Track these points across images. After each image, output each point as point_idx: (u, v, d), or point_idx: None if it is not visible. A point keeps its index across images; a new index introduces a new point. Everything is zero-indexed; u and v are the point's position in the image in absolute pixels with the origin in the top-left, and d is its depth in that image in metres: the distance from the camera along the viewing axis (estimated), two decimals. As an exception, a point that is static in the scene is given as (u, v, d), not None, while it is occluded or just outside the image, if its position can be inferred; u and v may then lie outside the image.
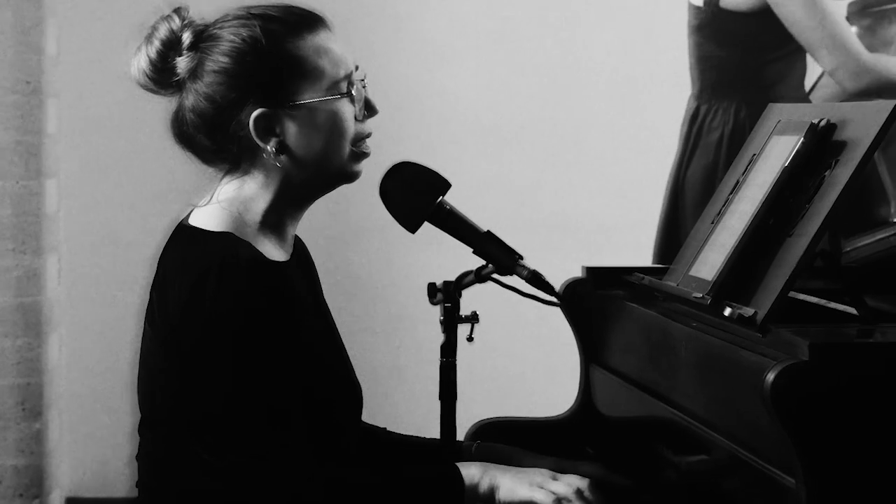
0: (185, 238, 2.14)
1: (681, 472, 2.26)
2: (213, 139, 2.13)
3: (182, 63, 2.12)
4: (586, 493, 2.13)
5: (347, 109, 2.15)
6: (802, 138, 2.20)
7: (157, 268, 2.15)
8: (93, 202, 4.49)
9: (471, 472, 2.14)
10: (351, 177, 2.19)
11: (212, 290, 2.02)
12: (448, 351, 2.48)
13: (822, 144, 2.20)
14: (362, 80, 2.18)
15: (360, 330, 4.43)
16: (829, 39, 3.48)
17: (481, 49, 4.61)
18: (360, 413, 2.28)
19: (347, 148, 2.16)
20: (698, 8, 3.64)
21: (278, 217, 2.17)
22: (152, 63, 2.14)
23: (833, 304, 2.20)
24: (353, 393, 2.24)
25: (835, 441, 1.80)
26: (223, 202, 2.14)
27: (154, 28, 2.15)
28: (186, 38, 2.13)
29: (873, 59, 3.55)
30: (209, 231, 2.11)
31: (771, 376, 1.79)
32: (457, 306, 2.47)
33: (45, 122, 4.19)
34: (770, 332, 2.01)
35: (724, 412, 2.07)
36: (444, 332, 2.46)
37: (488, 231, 2.32)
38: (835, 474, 1.81)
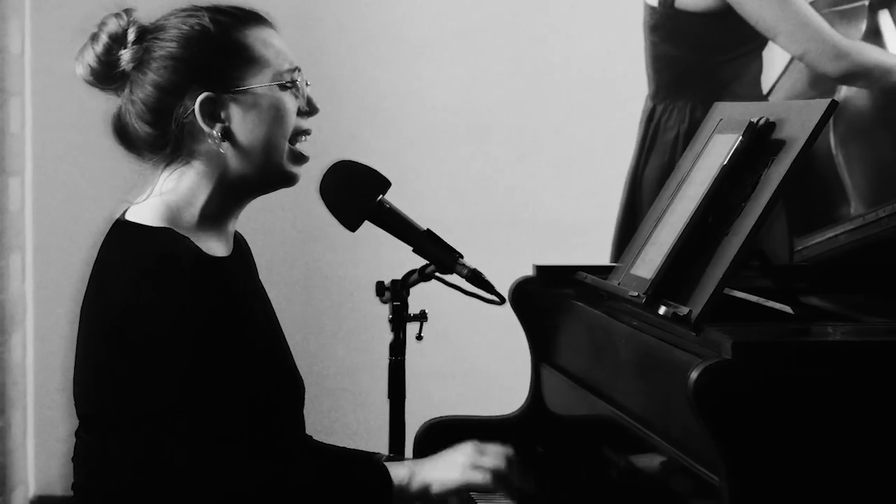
0: (122, 234, 2.14)
1: (620, 472, 2.26)
2: (156, 125, 2.14)
3: (126, 55, 2.15)
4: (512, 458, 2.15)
5: (290, 101, 2.17)
6: (741, 137, 2.20)
7: (94, 265, 2.15)
8: (56, 201, 4.49)
9: (399, 472, 2.13)
10: (288, 178, 2.19)
11: (152, 287, 2.02)
12: (396, 349, 2.48)
13: (761, 143, 2.19)
14: (303, 79, 2.20)
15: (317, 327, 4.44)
16: (796, 24, 3.44)
17: (451, 48, 4.61)
18: (302, 407, 2.28)
19: (287, 141, 2.17)
20: (653, 8, 3.63)
21: (218, 211, 2.17)
22: (97, 56, 2.16)
23: (772, 304, 2.20)
24: (294, 388, 2.23)
25: (757, 440, 1.80)
26: (162, 195, 2.14)
27: (102, 23, 2.18)
28: (132, 33, 2.16)
29: (850, 43, 3.52)
30: (147, 226, 2.11)
31: (694, 375, 1.79)
32: (405, 305, 2.47)
33: (9, 121, 4.19)
34: (703, 331, 2.00)
35: (659, 411, 2.07)
36: (392, 330, 2.46)
37: (428, 230, 2.32)
38: (757, 473, 1.80)
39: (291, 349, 2.28)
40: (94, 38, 2.17)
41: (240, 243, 2.28)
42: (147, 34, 2.16)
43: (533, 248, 4.32)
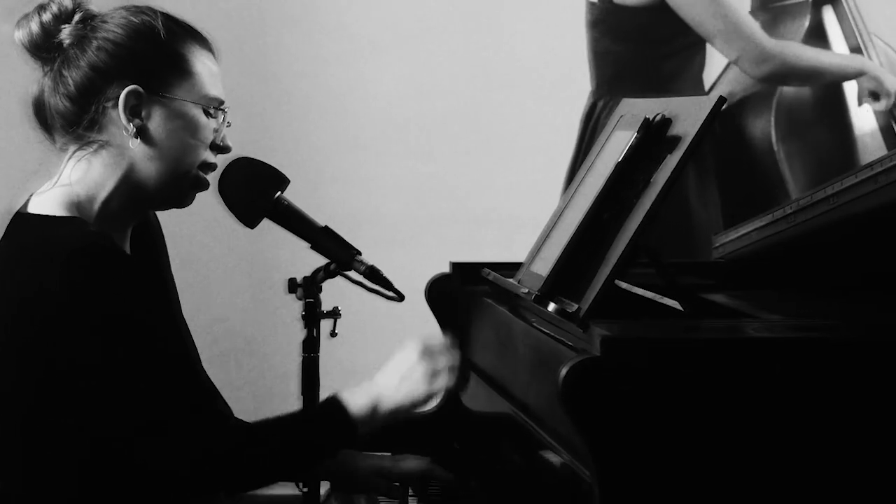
0: (27, 226, 2.13)
1: (516, 469, 2.26)
2: (77, 104, 2.14)
3: (67, 30, 2.16)
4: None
5: (208, 129, 2.19)
6: (636, 133, 2.20)
7: None
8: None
9: (359, 402, 2.17)
10: (182, 200, 2.22)
11: (69, 277, 2.01)
12: (309, 346, 2.47)
13: (656, 139, 2.19)
14: (226, 114, 2.22)
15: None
16: (729, 29, 3.46)
17: (399, 47, 4.61)
18: (198, 397, 2.28)
19: (195, 166, 2.18)
20: (593, 4, 3.63)
21: (116, 210, 2.16)
22: (41, 24, 2.17)
23: (665, 300, 2.19)
24: (195, 382, 2.23)
25: (625, 436, 1.79)
26: (67, 185, 2.14)
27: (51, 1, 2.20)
28: (79, 13, 2.18)
29: (777, 45, 3.53)
30: (55, 216, 2.11)
31: (563, 371, 1.78)
32: (317, 302, 2.46)
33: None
34: (589, 328, 2.00)
35: (546, 408, 2.06)
36: (305, 327, 2.46)
37: (326, 226, 2.32)
38: (626, 469, 1.79)
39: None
40: (43, 7, 2.18)
41: (147, 230, 2.28)
42: (93, 18, 2.18)
43: (480, 244, 4.32)
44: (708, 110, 2.08)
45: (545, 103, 4.55)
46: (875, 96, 3.60)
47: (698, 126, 2.08)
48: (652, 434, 1.80)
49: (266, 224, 2.35)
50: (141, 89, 2.13)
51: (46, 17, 2.17)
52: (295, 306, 2.45)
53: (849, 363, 1.88)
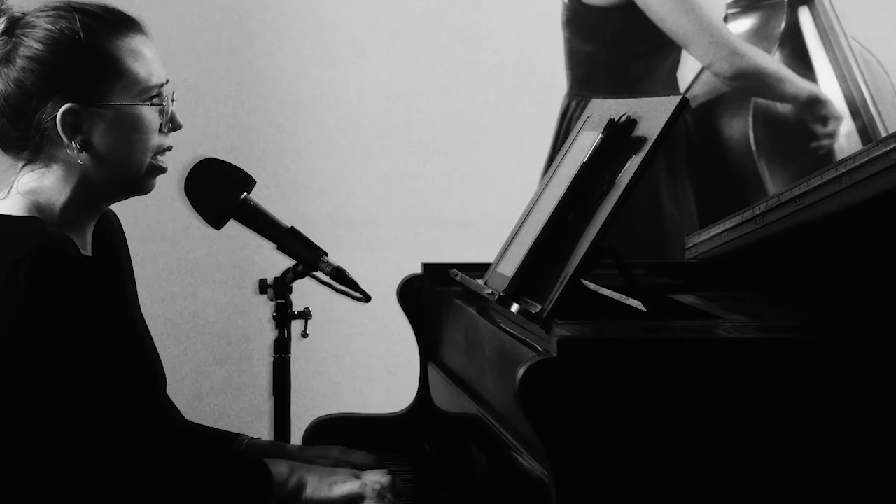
0: None
1: (483, 469, 2.26)
2: (16, 125, 2.12)
3: None
4: (388, 489, 2.14)
5: (154, 119, 2.15)
6: (601, 134, 2.20)
7: None
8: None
9: (279, 469, 2.13)
10: (144, 189, 2.19)
11: (27, 276, 1.99)
12: (280, 347, 2.47)
13: (621, 140, 2.18)
14: (171, 93, 2.18)
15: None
16: (696, 29, 3.46)
17: (381, 46, 4.61)
18: (159, 396, 2.28)
19: (148, 157, 2.16)
20: (566, 4, 3.63)
21: (76, 214, 2.16)
22: None
23: (629, 301, 2.19)
24: (151, 379, 2.23)
25: (582, 437, 1.78)
26: (22, 194, 2.13)
27: None
28: (2, 22, 2.13)
29: (745, 45, 3.54)
30: (15, 216, 2.10)
31: (520, 372, 1.78)
32: (288, 302, 2.47)
33: None
34: (552, 329, 1.99)
35: (509, 408, 2.06)
36: (276, 328, 2.46)
37: (292, 227, 2.32)
38: (582, 471, 1.79)
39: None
40: None
41: (106, 229, 2.26)
42: (16, 27, 2.13)
43: (457, 245, 4.32)
44: (671, 110, 2.08)
45: (524, 104, 4.55)
46: (824, 121, 3.62)
47: (661, 126, 2.08)
48: (608, 434, 1.79)
49: (237, 225, 2.35)
50: (75, 105, 2.09)
51: None
52: (266, 307, 2.45)
53: (813, 363, 1.87)
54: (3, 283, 2.01)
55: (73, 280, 2.02)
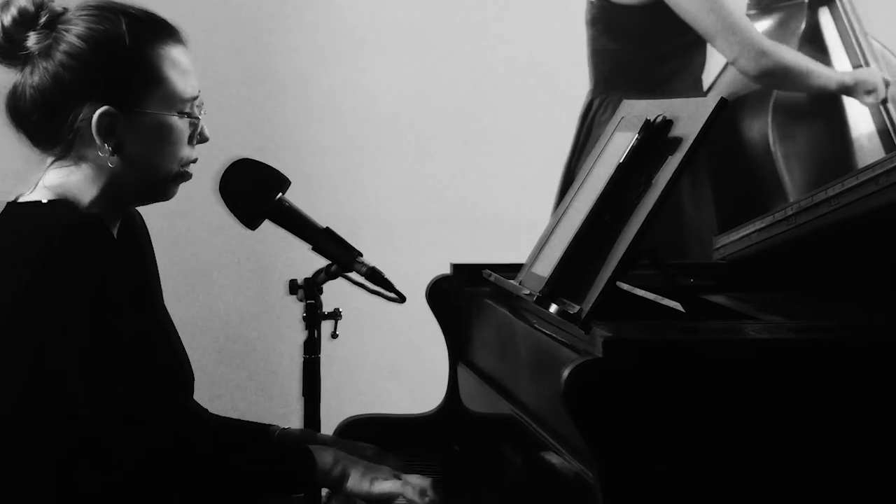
0: (19, 212, 2.10)
1: (518, 471, 2.26)
2: (49, 122, 2.12)
3: (34, 38, 2.11)
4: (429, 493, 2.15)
5: (185, 130, 2.16)
6: (637, 134, 2.20)
7: None
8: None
9: (324, 457, 2.14)
10: (168, 196, 2.20)
11: (58, 253, 1.98)
12: (311, 348, 2.47)
13: (657, 141, 2.19)
14: (202, 105, 2.19)
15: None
16: (725, 26, 3.47)
17: (394, 44, 4.61)
18: (187, 396, 2.29)
19: (176, 167, 2.16)
20: (592, 2, 3.63)
21: (100, 212, 2.15)
22: (4, 30, 2.12)
23: (665, 301, 2.19)
24: (180, 377, 2.23)
25: (627, 437, 1.79)
26: (49, 188, 2.13)
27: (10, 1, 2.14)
28: (44, 15, 2.12)
29: (773, 44, 3.55)
30: (45, 202, 2.09)
31: (564, 373, 1.78)
32: (318, 303, 2.47)
33: None
34: (592, 329, 2.00)
35: (549, 409, 2.06)
36: (306, 328, 2.46)
37: (327, 228, 2.32)
38: (628, 471, 1.79)
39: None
40: (4, 9, 2.12)
41: (131, 228, 2.26)
42: (58, 21, 2.12)
43: (479, 245, 4.32)
44: (709, 112, 2.08)
45: (546, 102, 4.55)
46: (870, 94, 3.62)
47: (699, 127, 2.08)
48: (654, 434, 1.80)
49: (267, 225, 2.35)
50: (112, 109, 2.09)
51: (8, 21, 2.12)
52: (296, 308, 2.45)
53: (849, 364, 1.88)
54: (39, 258, 2.00)
55: (105, 258, 2.02)
